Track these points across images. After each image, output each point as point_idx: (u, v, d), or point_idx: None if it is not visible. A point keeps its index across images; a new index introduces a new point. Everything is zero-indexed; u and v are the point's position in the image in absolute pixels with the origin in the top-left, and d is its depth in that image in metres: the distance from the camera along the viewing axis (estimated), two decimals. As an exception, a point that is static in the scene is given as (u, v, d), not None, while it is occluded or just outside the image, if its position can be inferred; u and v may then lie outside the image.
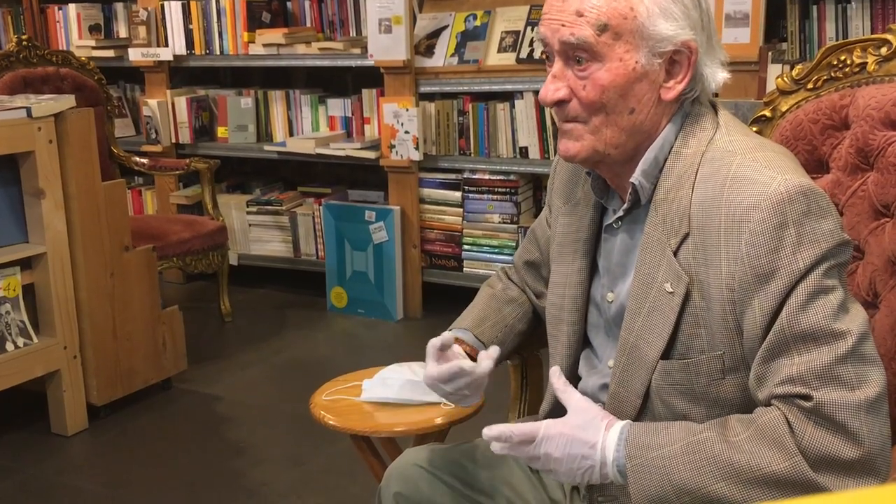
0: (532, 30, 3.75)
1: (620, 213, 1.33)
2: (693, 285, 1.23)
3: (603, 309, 1.40)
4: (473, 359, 1.52)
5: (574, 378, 1.45)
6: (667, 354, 1.26)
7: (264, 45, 4.15)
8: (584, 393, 1.42)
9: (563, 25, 1.23)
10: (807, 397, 1.14)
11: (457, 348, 1.50)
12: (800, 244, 1.16)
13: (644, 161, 1.28)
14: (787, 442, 1.14)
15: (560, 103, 1.27)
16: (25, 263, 2.89)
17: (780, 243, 1.16)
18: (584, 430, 1.24)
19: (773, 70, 3.14)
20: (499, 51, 3.82)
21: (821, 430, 1.14)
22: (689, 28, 1.24)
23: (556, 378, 1.32)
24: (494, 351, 1.47)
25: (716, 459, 1.16)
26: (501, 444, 1.26)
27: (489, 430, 1.27)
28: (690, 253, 1.23)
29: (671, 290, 1.24)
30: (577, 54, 1.23)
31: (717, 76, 1.28)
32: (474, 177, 3.85)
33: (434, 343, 1.45)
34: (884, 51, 1.48)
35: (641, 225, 1.31)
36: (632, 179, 1.29)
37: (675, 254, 1.24)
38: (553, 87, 1.26)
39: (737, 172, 1.21)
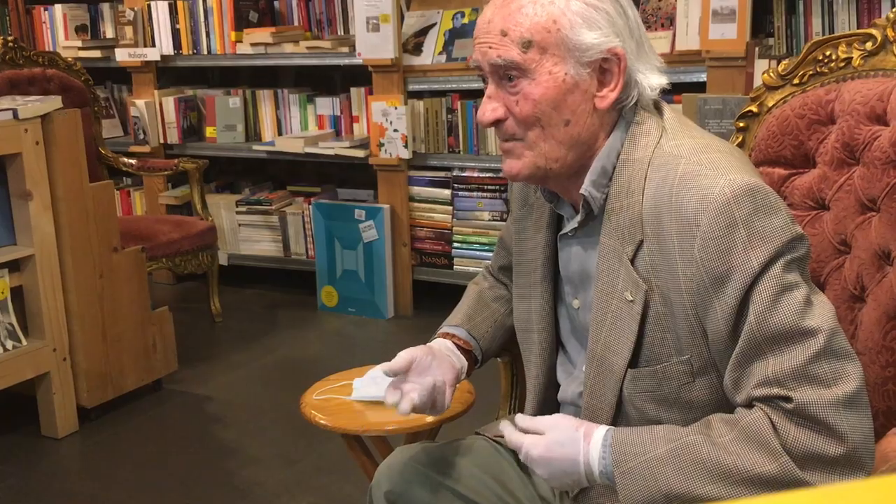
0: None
1: (574, 224, 1.34)
2: (652, 292, 1.24)
3: (571, 315, 1.41)
4: (467, 353, 1.54)
5: (552, 385, 1.46)
6: (634, 363, 1.27)
7: (252, 45, 4.14)
8: (563, 401, 1.44)
9: (490, 48, 1.25)
10: (787, 399, 1.15)
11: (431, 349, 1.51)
12: (751, 243, 1.16)
13: (592, 171, 1.29)
14: (772, 443, 1.15)
15: (497, 123, 1.29)
16: (13, 266, 2.88)
17: (731, 244, 1.17)
18: (564, 447, 1.24)
19: (760, 65, 3.15)
20: (487, 48, 3.81)
21: (804, 430, 1.15)
22: (614, 35, 1.25)
23: (520, 419, 1.31)
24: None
25: (703, 463, 1.17)
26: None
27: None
28: (647, 260, 1.24)
29: (631, 298, 1.25)
30: (507, 73, 1.25)
31: (653, 81, 1.29)
32: (463, 174, 3.85)
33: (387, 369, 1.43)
34: (869, 45, 1.49)
35: (596, 236, 1.31)
36: (581, 191, 1.30)
37: (633, 262, 1.25)
38: (489, 107, 1.28)
39: (682, 176, 1.21)
